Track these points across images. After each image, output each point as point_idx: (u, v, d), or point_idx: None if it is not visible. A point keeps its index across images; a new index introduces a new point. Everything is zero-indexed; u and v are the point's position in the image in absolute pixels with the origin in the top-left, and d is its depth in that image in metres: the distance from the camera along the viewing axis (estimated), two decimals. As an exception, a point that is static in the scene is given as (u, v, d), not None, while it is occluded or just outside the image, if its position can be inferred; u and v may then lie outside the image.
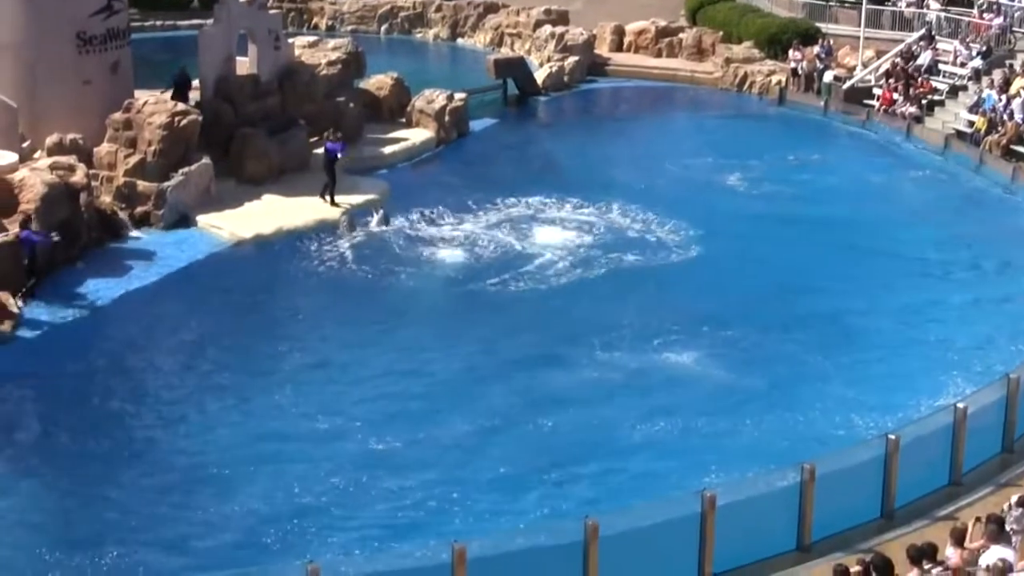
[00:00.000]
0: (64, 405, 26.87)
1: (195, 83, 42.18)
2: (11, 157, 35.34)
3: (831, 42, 55.29)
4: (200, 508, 23.22)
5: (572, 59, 57.15)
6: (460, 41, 65.35)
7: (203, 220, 36.86)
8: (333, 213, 37.87)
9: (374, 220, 37.80)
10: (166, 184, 36.83)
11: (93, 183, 36.22)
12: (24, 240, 31.93)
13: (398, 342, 30.11)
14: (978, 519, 18.92)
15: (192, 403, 27.07)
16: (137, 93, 39.64)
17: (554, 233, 37.02)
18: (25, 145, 37.25)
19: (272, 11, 46.07)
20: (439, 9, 66.74)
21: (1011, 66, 49.05)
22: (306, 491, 23.63)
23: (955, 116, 48.29)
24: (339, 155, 38.97)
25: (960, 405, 22.60)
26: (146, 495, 23.59)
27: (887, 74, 51.83)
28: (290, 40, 46.14)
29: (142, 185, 36.92)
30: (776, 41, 57.04)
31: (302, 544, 22.03)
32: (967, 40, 51.76)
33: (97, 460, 24.76)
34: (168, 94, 41.00)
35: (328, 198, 38.63)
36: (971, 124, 46.75)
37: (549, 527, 21.89)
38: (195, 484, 24.00)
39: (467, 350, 29.70)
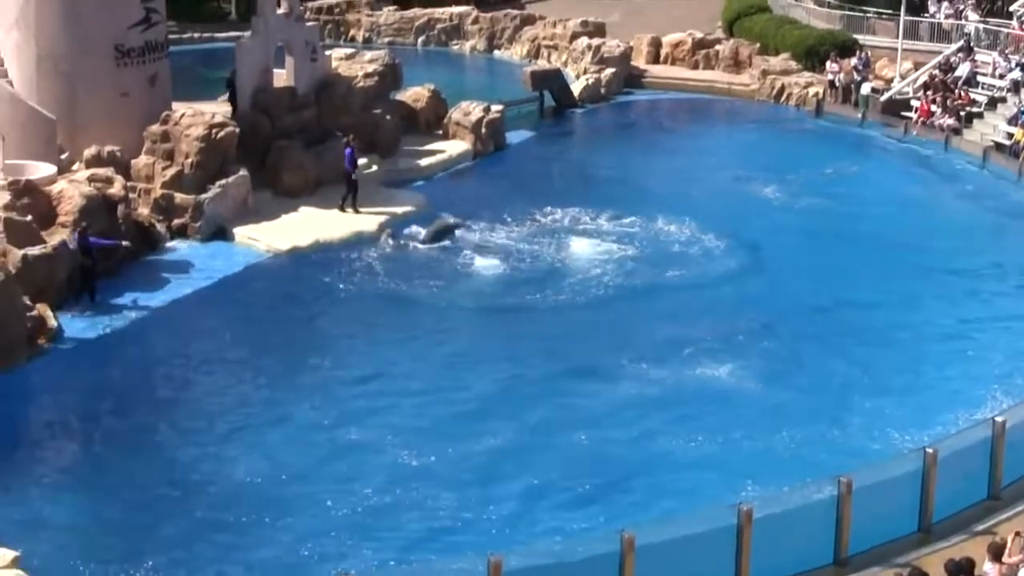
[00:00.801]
0: (102, 416, 26.97)
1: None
2: (50, 169, 35.52)
3: (869, 54, 55.14)
4: (233, 520, 23.20)
5: (609, 71, 57.14)
6: (497, 53, 65.41)
7: (240, 232, 36.95)
8: (370, 225, 37.87)
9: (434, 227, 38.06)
10: (203, 196, 36.94)
11: (131, 195, 36.34)
12: (91, 244, 32.40)
13: (433, 355, 30.08)
14: (1017, 533, 18.78)
15: (227, 415, 27.07)
16: (175, 105, 39.76)
17: (591, 245, 36.96)
18: (64, 157, 37.43)
19: (309, 23, 46.18)
20: (476, 21, 66.83)
21: (1050, 78, 48.90)
22: (340, 503, 23.61)
23: (994, 128, 48.08)
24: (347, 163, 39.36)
25: (999, 419, 22.44)
26: (179, 508, 23.60)
27: (925, 86, 51.65)
28: (327, 52, 46.27)
29: (179, 197, 37.04)
30: (813, 53, 56.92)
31: (337, 556, 22.02)
32: (1006, 52, 51.53)
33: (132, 472, 24.79)
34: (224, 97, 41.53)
35: (351, 208, 39.01)
36: (1010, 136, 46.56)
37: (585, 539, 21.86)
38: (228, 496, 23.99)
39: (503, 363, 29.65)
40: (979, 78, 51.18)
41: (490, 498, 23.79)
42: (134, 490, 24.14)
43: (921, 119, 50.00)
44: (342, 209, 38.99)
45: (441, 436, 25.99)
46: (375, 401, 27.69)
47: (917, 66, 53.54)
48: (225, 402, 27.71)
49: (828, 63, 54.91)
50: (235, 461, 25.22)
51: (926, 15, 58.23)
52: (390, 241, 37.00)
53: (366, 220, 38.23)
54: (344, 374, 29.01)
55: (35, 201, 33.04)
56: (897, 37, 54.32)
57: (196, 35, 64.96)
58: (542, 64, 60.20)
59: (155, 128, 38.02)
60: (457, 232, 37.79)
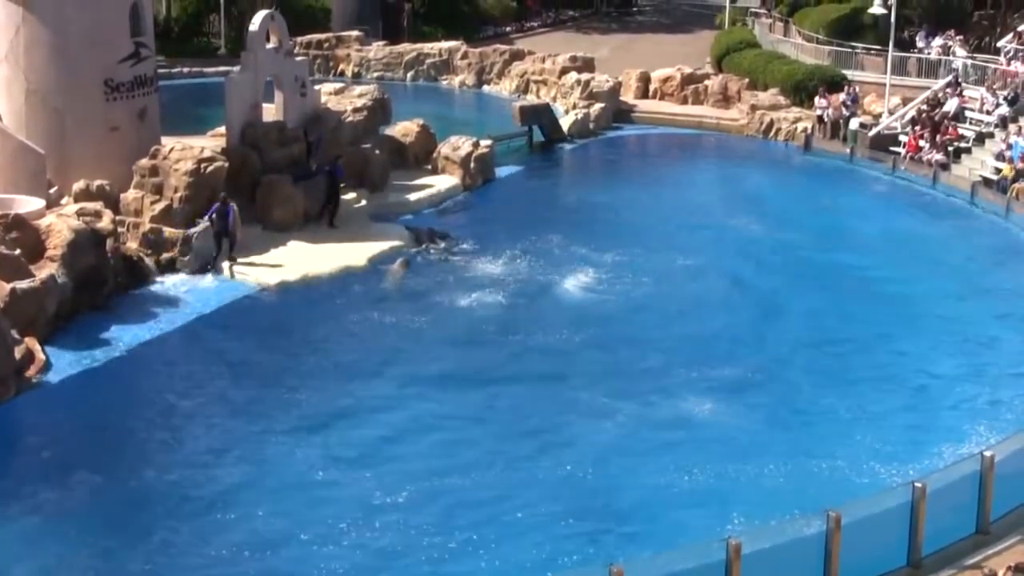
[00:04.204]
0: (89, 452, 26.83)
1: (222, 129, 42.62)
2: (38, 203, 35.52)
3: (857, 89, 55.35)
4: (214, 554, 23.01)
5: (598, 106, 57.36)
6: (486, 88, 65.66)
7: (228, 266, 36.88)
8: (358, 260, 37.86)
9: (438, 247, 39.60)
10: (192, 230, 36.92)
11: (119, 229, 36.31)
12: (226, 213, 36.88)
13: (416, 390, 29.85)
14: (1010, 568, 18.76)
15: (210, 451, 26.93)
16: (164, 139, 39.81)
17: (580, 278, 36.97)
18: (52, 191, 37.45)
19: (299, 58, 46.29)
20: (465, 56, 67.10)
21: (1038, 113, 49.07)
22: (320, 542, 23.34)
23: (982, 163, 48.21)
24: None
25: (987, 453, 22.45)
26: (164, 547, 23.42)
27: (913, 121, 51.83)
28: (316, 87, 46.36)
29: (168, 231, 37.01)
30: (802, 88, 57.19)
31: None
32: (994, 87, 51.71)
33: (115, 510, 24.66)
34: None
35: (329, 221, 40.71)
36: (998, 171, 46.65)
37: (575, 574, 21.82)
38: (209, 532, 23.82)
39: (487, 396, 29.50)
40: (967, 113, 51.37)
41: (476, 533, 23.64)
42: (115, 529, 23.95)
43: (909, 154, 50.16)
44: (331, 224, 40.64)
45: (424, 471, 25.84)
46: (358, 437, 27.47)
47: (905, 101, 53.76)
48: (208, 438, 27.50)
49: (816, 98, 55.12)
50: (217, 497, 25.02)
51: (914, 51, 58.50)
52: (401, 269, 37.51)
53: (354, 255, 38.20)
54: (329, 410, 28.82)
55: (24, 235, 32.98)
56: (885, 72, 54.54)
57: (185, 70, 65.17)
58: (531, 99, 60.43)
59: (144, 162, 38.03)
60: (447, 264, 37.95)
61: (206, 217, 36.90)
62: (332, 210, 40.63)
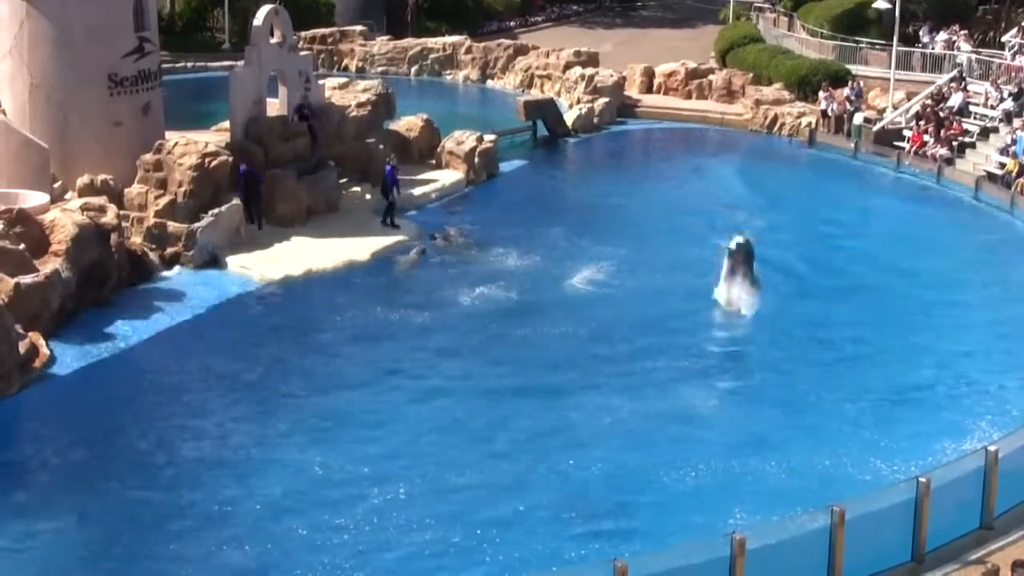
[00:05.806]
0: (92, 446, 26.85)
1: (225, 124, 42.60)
2: (42, 198, 35.49)
3: (861, 84, 55.29)
4: (215, 548, 23.02)
5: (602, 100, 57.28)
6: (490, 83, 65.58)
7: (232, 261, 36.91)
8: (362, 255, 37.88)
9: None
10: (196, 225, 36.90)
11: (124, 224, 36.27)
12: (248, 172, 38.69)
13: (417, 385, 29.87)
14: (1019, 563, 18.72)
15: (217, 445, 26.97)
16: (168, 134, 39.82)
17: (582, 272, 36.95)
18: (56, 186, 37.43)
19: (303, 53, 46.32)
20: (469, 51, 67.03)
21: (1042, 108, 48.97)
22: (321, 538, 23.33)
23: (986, 158, 48.14)
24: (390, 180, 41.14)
25: (992, 448, 22.42)
26: (167, 538, 23.40)
27: (918, 116, 51.77)
28: (320, 82, 46.33)
29: (172, 226, 37.01)
30: (806, 83, 57.10)
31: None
32: (998, 82, 51.62)
33: (125, 502, 24.69)
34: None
35: (388, 220, 40.58)
36: (1002, 166, 46.59)
37: (577, 571, 21.80)
38: (207, 524, 23.81)
39: (487, 392, 29.48)
40: (971, 108, 51.30)
41: (479, 529, 23.62)
42: (119, 521, 24.00)
43: (914, 149, 50.09)
44: (385, 224, 40.62)
45: (425, 467, 25.85)
46: (358, 432, 27.48)
47: (910, 96, 53.70)
48: (211, 432, 27.53)
49: (821, 93, 55.05)
50: (220, 490, 25.06)
51: (918, 45, 58.39)
52: (413, 258, 38.01)
53: (357, 249, 38.22)
54: (331, 403, 28.85)
55: (28, 230, 32.99)
56: (890, 67, 54.45)
57: (189, 64, 65.15)
58: (535, 94, 60.36)
59: (148, 157, 38.03)
60: (453, 258, 38.05)
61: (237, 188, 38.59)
62: (389, 210, 40.93)
